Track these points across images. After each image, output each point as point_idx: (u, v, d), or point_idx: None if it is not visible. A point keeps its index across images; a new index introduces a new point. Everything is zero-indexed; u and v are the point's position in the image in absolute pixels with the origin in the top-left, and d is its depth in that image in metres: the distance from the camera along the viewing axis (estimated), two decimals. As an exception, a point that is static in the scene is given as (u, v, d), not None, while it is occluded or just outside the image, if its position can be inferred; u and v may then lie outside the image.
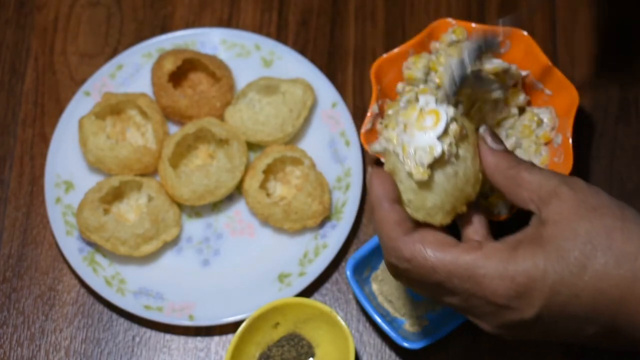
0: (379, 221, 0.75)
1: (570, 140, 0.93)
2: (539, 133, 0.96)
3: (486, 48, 0.85)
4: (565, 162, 0.92)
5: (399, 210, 0.75)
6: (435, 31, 0.99)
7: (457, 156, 0.75)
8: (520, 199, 0.74)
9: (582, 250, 0.69)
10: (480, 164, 0.76)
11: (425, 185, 0.74)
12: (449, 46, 0.98)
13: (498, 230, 0.78)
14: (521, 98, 0.97)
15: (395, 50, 0.99)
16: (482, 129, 0.77)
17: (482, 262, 0.71)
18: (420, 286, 0.75)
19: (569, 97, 0.95)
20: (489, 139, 0.76)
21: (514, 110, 0.97)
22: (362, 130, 0.96)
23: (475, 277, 0.71)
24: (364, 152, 1.02)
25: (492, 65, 0.97)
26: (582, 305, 0.70)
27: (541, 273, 0.70)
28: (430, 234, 0.74)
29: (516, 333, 0.74)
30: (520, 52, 0.98)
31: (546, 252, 0.70)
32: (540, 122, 0.97)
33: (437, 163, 0.74)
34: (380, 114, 0.98)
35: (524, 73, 0.99)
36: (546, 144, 0.96)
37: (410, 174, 0.75)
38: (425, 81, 0.97)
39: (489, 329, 0.74)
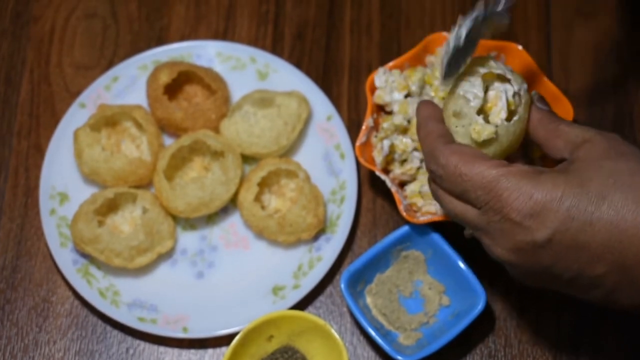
0: (425, 135, 0.80)
1: None
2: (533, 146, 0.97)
3: (487, 18, 0.83)
4: None
5: (443, 126, 0.80)
6: (431, 44, 1.00)
7: (518, 119, 0.80)
8: (556, 148, 0.78)
9: (604, 182, 0.72)
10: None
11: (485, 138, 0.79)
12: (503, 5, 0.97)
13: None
14: None
15: (391, 63, 0.99)
16: (533, 93, 0.82)
17: (506, 178, 0.74)
18: (448, 193, 0.79)
19: (563, 110, 0.95)
20: (537, 101, 0.81)
21: None
22: (357, 144, 0.96)
23: (496, 190, 0.74)
24: (358, 165, 1.02)
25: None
26: (595, 236, 0.71)
27: (559, 195, 0.72)
28: (467, 148, 0.78)
29: (526, 259, 0.75)
30: (515, 65, 0.99)
31: (568, 179, 0.72)
32: None
33: (498, 117, 0.80)
34: (375, 127, 0.98)
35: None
36: (541, 157, 0.97)
37: (477, 131, 0.79)
38: (421, 94, 0.98)
39: (501, 252, 0.76)
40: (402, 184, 0.98)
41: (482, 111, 0.81)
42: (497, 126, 0.80)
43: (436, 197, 0.81)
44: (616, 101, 1.06)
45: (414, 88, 0.97)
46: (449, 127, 0.81)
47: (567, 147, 0.77)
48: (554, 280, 0.76)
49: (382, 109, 0.99)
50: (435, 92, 0.97)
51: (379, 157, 0.96)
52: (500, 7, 0.82)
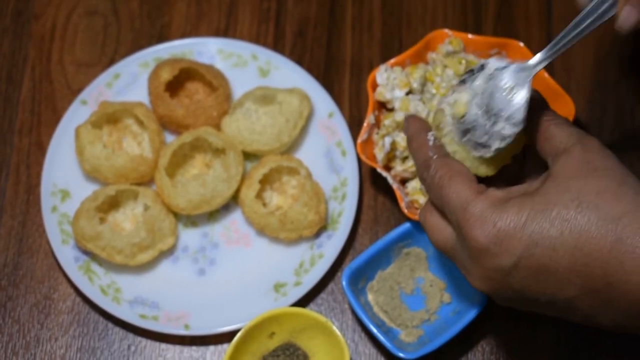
0: (417, 146, 0.80)
1: None
2: None
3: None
4: None
5: (434, 139, 0.80)
6: (432, 42, 1.00)
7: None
8: (542, 151, 0.77)
9: (568, 205, 0.71)
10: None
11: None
12: (446, 57, 0.98)
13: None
14: None
15: (392, 60, 0.99)
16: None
17: (476, 202, 0.74)
18: (432, 204, 0.79)
19: (565, 107, 0.95)
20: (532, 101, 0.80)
21: None
22: (359, 141, 0.96)
23: (465, 215, 0.74)
24: (360, 162, 1.02)
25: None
26: (560, 260, 0.71)
27: (522, 222, 0.71)
28: (456, 164, 0.77)
29: (498, 286, 0.75)
30: (517, 63, 0.99)
31: (533, 203, 0.72)
32: None
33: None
34: (377, 124, 0.98)
35: None
36: None
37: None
38: (422, 91, 0.98)
39: (474, 281, 0.76)
40: (403, 181, 0.98)
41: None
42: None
43: (423, 213, 0.81)
44: (617, 98, 1.06)
45: (415, 85, 0.97)
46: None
47: (550, 153, 0.76)
48: (534, 304, 0.75)
49: (383, 106, 0.99)
50: (437, 89, 0.97)
51: (380, 154, 0.96)
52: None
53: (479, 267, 0.74)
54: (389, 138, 0.96)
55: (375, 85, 0.98)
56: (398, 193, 0.95)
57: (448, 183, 0.76)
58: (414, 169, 0.96)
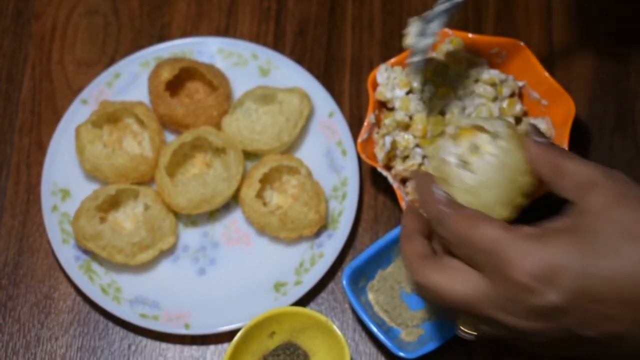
0: (425, 203, 0.78)
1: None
2: None
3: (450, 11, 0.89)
4: None
5: (444, 192, 0.78)
6: None
7: (499, 149, 0.78)
8: (561, 187, 0.75)
9: (616, 236, 0.69)
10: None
11: (477, 181, 0.78)
12: (446, 56, 0.98)
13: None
14: (518, 108, 0.98)
15: (392, 60, 0.99)
16: (529, 127, 0.79)
17: (511, 241, 0.71)
18: (457, 259, 0.76)
19: (566, 107, 0.95)
20: (533, 133, 0.78)
21: (511, 121, 0.98)
22: (359, 140, 0.96)
23: (501, 253, 0.71)
24: (360, 162, 1.02)
25: (489, 75, 0.97)
26: (611, 292, 0.68)
27: (572, 257, 0.69)
28: (472, 211, 0.75)
29: (542, 324, 0.71)
30: (517, 62, 0.99)
31: (580, 237, 0.70)
32: None
33: (481, 158, 0.78)
34: (377, 123, 0.98)
35: (520, 83, 0.99)
36: None
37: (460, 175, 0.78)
38: (422, 90, 0.98)
39: (516, 322, 0.72)
40: (404, 181, 0.98)
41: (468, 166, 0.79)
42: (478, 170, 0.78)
43: (426, 275, 0.77)
44: (618, 98, 1.06)
45: (415, 84, 0.97)
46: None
47: (573, 189, 0.74)
48: (576, 344, 0.72)
49: (383, 106, 0.99)
50: (437, 87, 0.97)
51: (380, 154, 0.96)
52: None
53: (522, 306, 0.71)
54: (389, 137, 0.96)
55: (375, 85, 0.98)
56: (398, 192, 0.95)
57: (472, 230, 0.73)
58: (414, 168, 0.96)
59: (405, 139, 0.96)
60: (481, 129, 0.79)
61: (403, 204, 0.94)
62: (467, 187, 0.78)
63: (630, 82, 1.06)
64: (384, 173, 0.96)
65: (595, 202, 0.71)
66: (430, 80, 0.98)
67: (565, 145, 0.93)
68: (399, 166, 0.97)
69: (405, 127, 0.96)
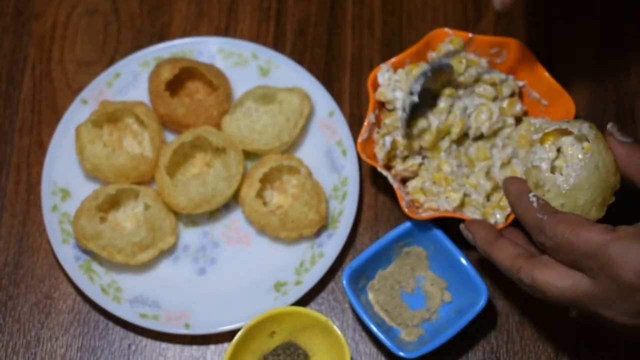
0: (523, 211, 0.81)
1: None
2: None
3: (434, 71, 0.94)
4: None
5: (538, 198, 0.81)
6: (433, 41, 1.00)
7: (590, 152, 0.80)
8: None
9: None
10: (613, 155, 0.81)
11: (572, 185, 0.80)
12: (446, 55, 0.98)
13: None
14: (518, 108, 0.98)
15: (393, 59, 0.99)
16: (609, 126, 0.81)
17: (615, 243, 0.73)
18: (561, 262, 0.78)
19: (565, 107, 0.95)
20: (616, 133, 0.80)
21: (511, 120, 0.98)
22: (359, 140, 0.96)
23: (608, 256, 0.73)
24: (360, 162, 1.02)
25: (489, 75, 0.97)
26: None
27: None
28: (571, 216, 0.78)
29: None
30: (517, 62, 0.99)
31: None
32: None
33: (572, 161, 0.81)
34: (377, 123, 0.98)
35: (520, 83, 0.99)
36: None
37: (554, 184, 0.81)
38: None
39: (625, 319, 0.75)
40: (404, 181, 0.98)
41: (557, 170, 0.82)
42: (573, 173, 0.80)
43: (539, 280, 0.80)
44: (618, 96, 1.06)
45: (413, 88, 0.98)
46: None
47: None
48: None
49: (383, 106, 0.99)
50: (443, 88, 0.97)
51: (380, 153, 0.96)
52: (443, 61, 0.92)
53: (632, 304, 0.74)
54: (389, 137, 0.96)
55: (376, 85, 0.98)
56: (398, 192, 0.95)
57: (574, 236, 0.76)
58: (414, 168, 0.96)
59: (405, 138, 0.96)
60: (566, 132, 0.82)
61: (403, 204, 0.94)
62: (562, 191, 0.80)
63: (631, 81, 1.06)
64: (384, 173, 0.96)
65: None
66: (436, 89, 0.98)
67: None
68: (399, 166, 0.97)
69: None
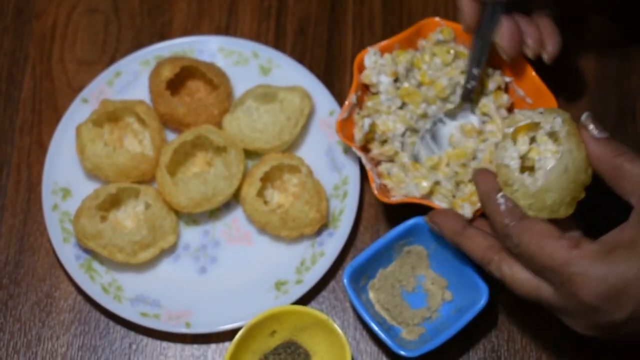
0: (492, 211, 0.80)
1: None
2: None
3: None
4: None
5: (506, 199, 0.80)
6: (424, 29, 1.00)
7: (561, 150, 0.78)
8: (621, 190, 0.76)
9: None
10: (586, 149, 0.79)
11: (540, 186, 0.79)
12: (435, 45, 0.99)
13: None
14: (505, 99, 0.98)
15: (381, 43, 0.99)
16: (584, 117, 0.79)
17: (578, 261, 0.73)
18: (524, 265, 0.78)
19: (548, 106, 0.95)
20: (591, 126, 0.78)
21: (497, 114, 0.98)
22: (338, 119, 0.97)
23: (569, 274, 0.73)
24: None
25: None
26: None
27: (634, 277, 0.71)
28: (537, 225, 0.77)
29: (605, 334, 0.75)
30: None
31: None
32: None
33: (542, 160, 0.79)
34: (358, 104, 0.99)
35: (507, 79, 0.99)
36: None
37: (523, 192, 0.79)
38: (407, 76, 0.98)
39: (579, 329, 0.76)
40: (377, 164, 0.98)
41: (529, 168, 0.81)
42: (544, 173, 0.79)
43: (506, 276, 0.80)
44: (619, 96, 1.06)
45: (401, 70, 0.98)
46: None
47: (633, 193, 0.75)
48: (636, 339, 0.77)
49: (367, 88, 1.00)
50: (422, 76, 0.97)
51: (358, 135, 0.97)
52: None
53: (586, 320, 0.75)
54: (368, 120, 0.96)
55: (362, 67, 0.99)
56: (370, 174, 0.95)
57: (538, 249, 0.75)
58: (391, 152, 0.97)
59: (384, 123, 0.96)
60: (538, 125, 0.80)
61: (373, 186, 0.94)
62: (530, 191, 0.79)
63: (632, 80, 1.06)
64: (358, 153, 0.96)
65: None
66: (416, 67, 0.98)
67: None
68: (375, 150, 0.97)
69: (388, 112, 0.97)
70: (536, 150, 0.81)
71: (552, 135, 0.80)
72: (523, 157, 0.81)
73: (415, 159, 0.97)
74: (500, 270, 0.80)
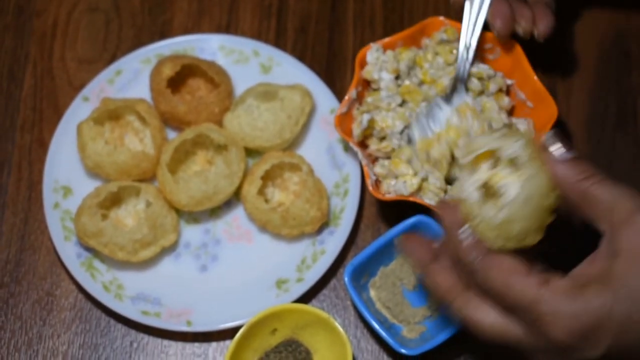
0: (455, 247, 0.74)
1: None
2: None
3: None
4: None
5: (469, 234, 0.74)
6: (428, 28, 1.00)
7: (524, 178, 0.73)
8: (590, 216, 0.71)
9: None
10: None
11: (504, 218, 0.73)
12: (439, 44, 0.99)
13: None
14: (506, 101, 0.98)
15: (385, 39, 0.99)
16: (548, 136, 0.73)
17: (548, 298, 0.69)
18: (490, 302, 0.74)
19: (548, 112, 0.95)
20: (555, 147, 0.72)
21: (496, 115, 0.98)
22: (337, 114, 0.97)
23: (539, 314, 0.69)
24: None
25: (477, 69, 0.97)
26: None
27: (608, 313, 0.67)
28: (503, 261, 0.72)
29: None
30: (509, 60, 0.99)
31: (614, 291, 0.68)
32: None
33: (504, 189, 0.74)
34: (358, 100, 0.99)
35: (509, 82, 0.99)
36: None
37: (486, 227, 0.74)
38: (408, 74, 0.98)
39: None
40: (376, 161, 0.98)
41: (492, 194, 0.75)
42: (507, 203, 0.73)
43: (468, 319, 0.76)
44: (619, 94, 1.06)
45: (402, 67, 0.98)
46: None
47: (602, 220, 0.70)
48: None
49: (368, 84, 1.00)
50: (424, 75, 0.97)
51: (357, 130, 0.97)
52: None
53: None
54: (367, 115, 0.96)
55: (364, 63, 0.99)
56: (366, 170, 0.95)
57: (505, 287, 0.71)
58: (388, 149, 0.97)
59: (383, 119, 0.96)
60: (497, 151, 0.75)
61: (368, 182, 0.94)
62: (494, 223, 0.74)
63: (632, 79, 1.06)
64: (355, 148, 0.96)
65: (628, 245, 0.68)
66: (418, 65, 0.98)
67: None
68: (373, 146, 0.97)
69: (388, 108, 0.97)
70: (498, 175, 0.75)
71: (512, 164, 0.74)
72: (485, 185, 0.75)
73: (409, 141, 0.96)
74: (462, 312, 0.76)
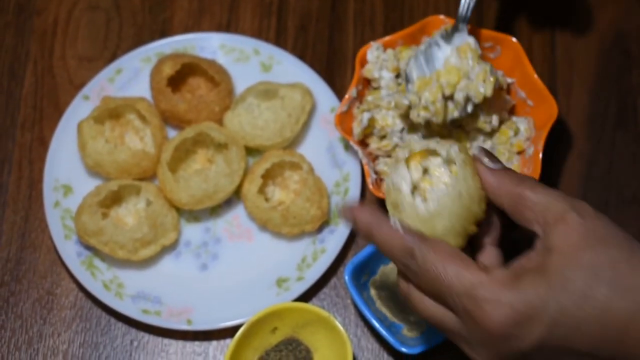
0: (386, 237, 0.73)
1: (541, 155, 0.93)
2: (513, 141, 0.97)
3: None
4: (532, 175, 0.92)
5: (398, 222, 0.74)
6: (428, 26, 1.00)
7: (455, 178, 0.73)
8: (524, 220, 0.72)
9: (586, 281, 0.67)
10: (481, 183, 0.74)
11: (432, 211, 0.73)
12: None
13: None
14: (507, 99, 0.98)
15: (385, 38, 0.99)
16: (476, 150, 0.75)
17: (484, 285, 0.69)
18: (423, 292, 0.74)
19: (549, 110, 0.95)
20: (485, 159, 0.74)
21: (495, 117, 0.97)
22: (337, 112, 0.97)
23: (476, 300, 0.69)
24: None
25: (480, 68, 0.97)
26: (584, 337, 0.68)
27: (542, 302, 0.68)
28: (442, 245, 0.72)
29: None
30: (509, 59, 0.99)
31: (549, 282, 0.68)
32: (517, 131, 0.97)
33: (435, 186, 0.74)
34: (359, 98, 0.99)
35: (509, 80, 0.99)
36: (519, 153, 0.97)
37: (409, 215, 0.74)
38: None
39: (484, 359, 0.72)
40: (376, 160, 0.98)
41: (420, 192, 0.75)
42: (432, 200, 0.73)
43: (408, 296, 0.75)
44: (620, 93, 1.06)
45: (403, 66, 0.98)
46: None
47: (537, 222, 0.71)
48: None
49: (368, 83, 1.00)
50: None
51: (357, 129, 0.97)
52: None
53: (492, 350, 0.71)
54: (367, 114, 0.96)
55: (364, 62, 0.99)
56: (366, 168, 0.95)
57: (444, 269, 0.70)
58: (388, 148, 0.97)
59: (384, 118, 0.96)
60: (434, 152, 0.75)
61: (369, 181, 0.94)
62: (420, 217, 0.73)
63: (633, 77, 1.06)
64: (355, 147, 0.96)
65: (563, 241, 0.69)
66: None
67: (541, 148, 0.93)
68: (373, 144, 0.97)
69: (388, 107, 0.97)
70: (428, 181, 0.75)
71: (448, 162, 0.74)
72: (415, 186, 0.75)
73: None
74: (409, 299, 0.75)
